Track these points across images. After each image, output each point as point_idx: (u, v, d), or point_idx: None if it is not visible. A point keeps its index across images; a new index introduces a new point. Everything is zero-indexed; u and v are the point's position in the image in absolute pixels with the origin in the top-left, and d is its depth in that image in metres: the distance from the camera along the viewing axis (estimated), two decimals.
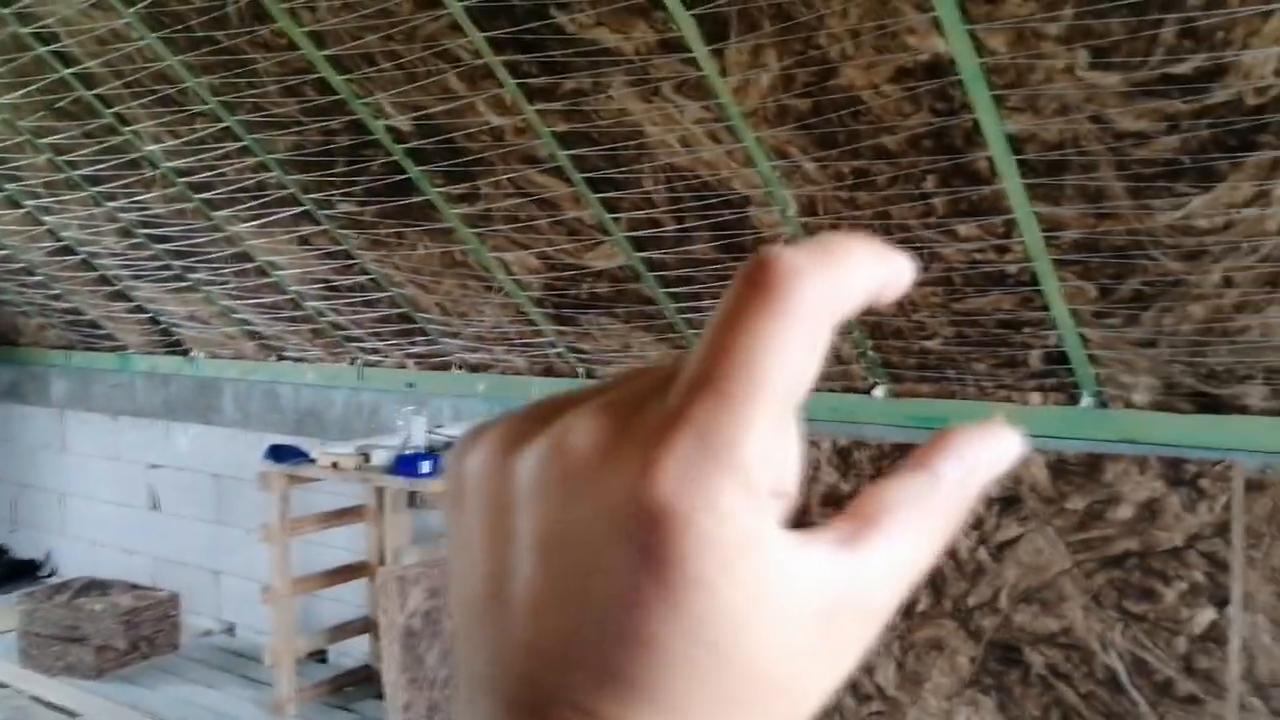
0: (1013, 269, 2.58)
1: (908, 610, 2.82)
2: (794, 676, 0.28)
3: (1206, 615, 2.42)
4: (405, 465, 3.57)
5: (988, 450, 0.31)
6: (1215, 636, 2.40)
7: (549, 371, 3.84)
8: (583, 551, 0.28)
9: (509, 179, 3.12)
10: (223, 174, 3.74)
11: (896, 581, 0.29)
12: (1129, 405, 2.71)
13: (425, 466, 3.56)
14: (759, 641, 0.27)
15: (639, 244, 3.11)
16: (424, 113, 3.05)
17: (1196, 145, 2.12)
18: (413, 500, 3.64)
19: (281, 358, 4.77)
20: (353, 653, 4.31)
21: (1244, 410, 2.55)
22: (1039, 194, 2.37)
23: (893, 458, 2.94)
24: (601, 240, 3.16)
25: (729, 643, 0.27)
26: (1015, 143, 2.29)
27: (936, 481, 0.30)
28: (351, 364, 4.45)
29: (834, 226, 2.72)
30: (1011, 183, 2.35)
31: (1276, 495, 2.48)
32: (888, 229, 2.63)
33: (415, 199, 3.36)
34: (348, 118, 3.19)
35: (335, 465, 3.79)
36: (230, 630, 4.94)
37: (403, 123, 3.13)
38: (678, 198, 2.89)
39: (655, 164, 2.82)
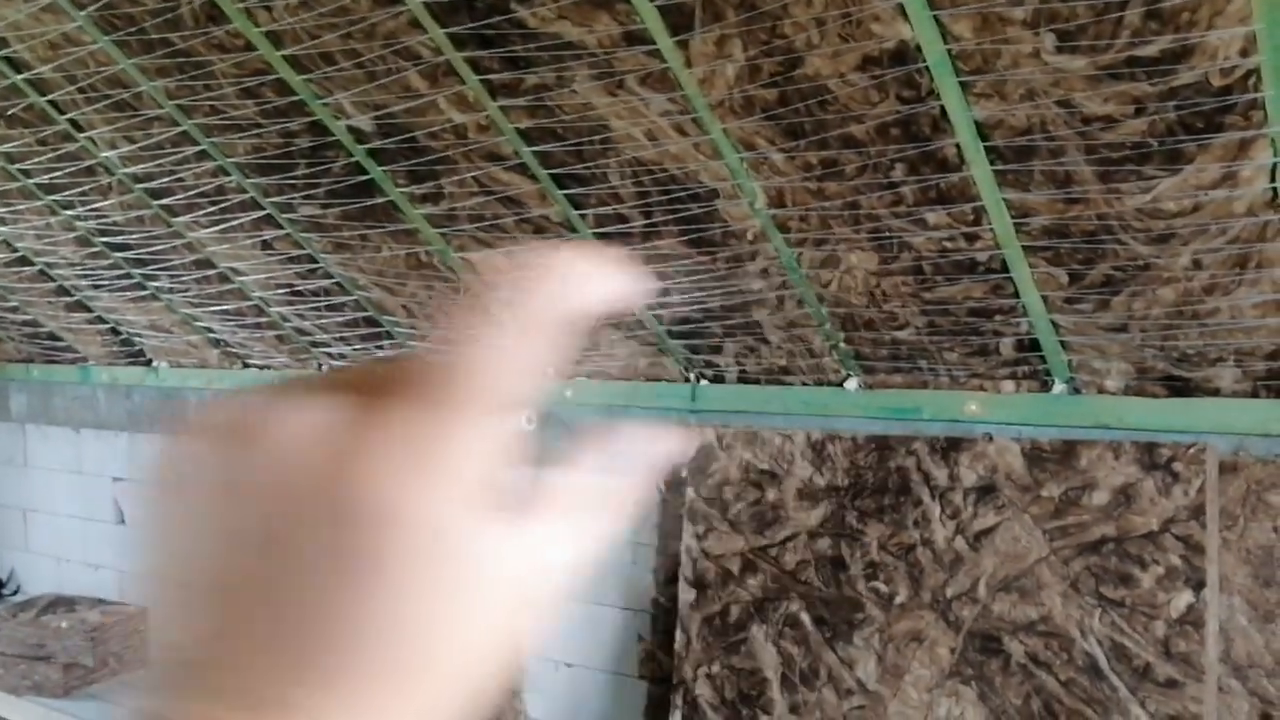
0: (983, 257, 2.57)
1: (886, 602, 2.80)
2: (476, 655, 0.32)
3: (1184, 599, 2.42)
4: None
5: (638, 447, 0.37)
6: (1193, 620, 2.40)
7: None
8: (285, 544, 0.29)
9: (473, 177, 3.08)
10: (181, 179, 3.67)
11: (566, 560, 0.33)
12: (1102, 391, 2.71)
13: None
14: (440, 622, 0.30)
15: (606, 240, 3.07)
16: (385, 112, 3.00)
17: (1164, 127, 2.11)
18: None
19: (246, 365, 4.69)
20: None
21: (1215, 393, 2.56)
22: (1008, 180, 2.35)
23: (867, 449, 2.93)
24: (568, 237, 3.13)
25: (414, 627, 0.30)
26: (983, 129, 2.27)
27: (590, 473, 0.35)
28: (318, 370, 4.38)
29: (803, 218, 2.70)
30: (980, 169, 2.34)
31: (1249, 477, 2.48)
32: (857, 219, 2.62)
33: (378, 200, 3.31)
34: (307, 119, 3.13)
35: None
36: None
37: (364, 123, 3.08)
38: (644, 192, 2.86)
39: (621, 158, 2.79)
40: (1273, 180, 2.11)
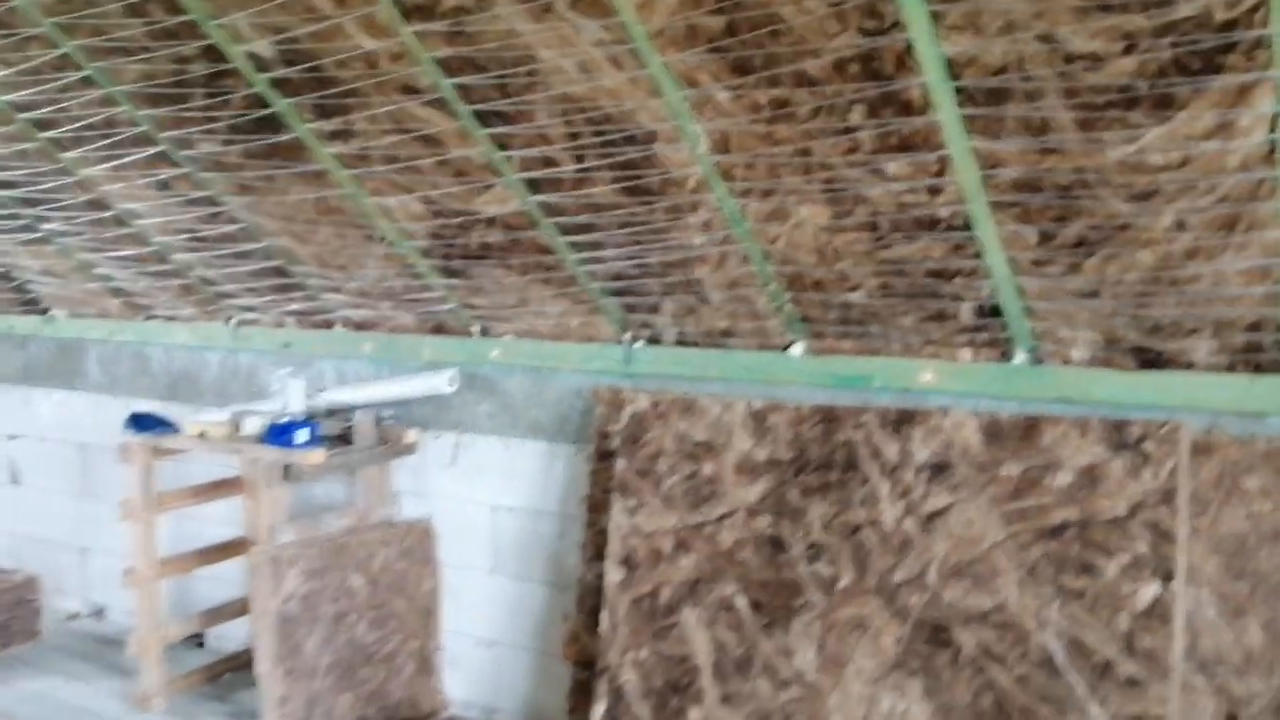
0: (945, 212, 2.33)
1: (828, 587, 2.59)
2: None
3: (1150, 591, 2.23)
4: (278, 434, 3.22)
5: None
6: (1159, 613, 2.21)
7: (440, 329, 3.52)
8: None
9: (386, 113, 2.78)
10: (66, 109, 3.31)
11: None
12: (1067, 361, 2.50)
13: (301, 435, 3.22)
14: None
15: (534, 186, 2.79)
16: (287, 36, 2.68)
17: (1155, 68, 1.88)
18: (289, 473, 3.30)
19: (151, 317, 4.35)
20: (234, 636, 3.96)
21: (1189, 366, 2.36)
22: (977, 126, 2.11)
23: (812, 421, 2.70)
24: (492, 183, 2.84)
25: None
26: (953, 67, 2.02)
27: None
28: (226, 323, 4.06)
29: (749, 166, 2.44)
30: (947, 113, 2.09)
31: (1224, 459, 2.29)
32: (809, 168, 2.36)
33: (283, 137, 3.00)
34: (201, 42, 2.80)
35: (203, 435, 3.42)
36: (100, 614, 4.54)
37: (264, 48, 2.75)
38: (576, 133, 2.58)
39: (550, 94, 2.51)
40: (1273, 131, 1.89)
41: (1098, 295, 2.33)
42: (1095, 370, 2.46)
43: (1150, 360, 2.40)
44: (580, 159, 2.64)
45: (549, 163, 2.70)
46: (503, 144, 2.71)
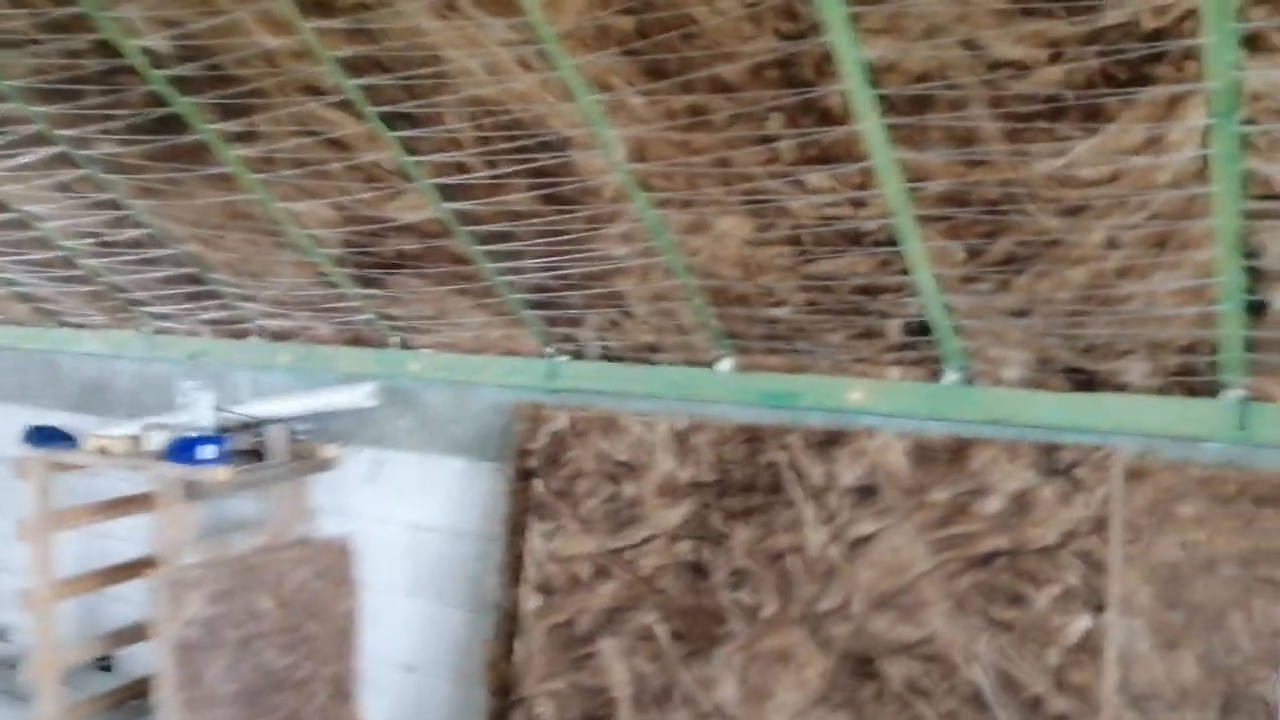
0: (871, 226, 2.22)
1: (751, 616, 2.47)
2: None
3: (1081, 623, 2.13)
4: (182, 450, 3.05)
5: None
6: (1090, 647, 2.11)
7: (358, 341, 3.37)
8: None
9: (291, 114, 2.63)
10: None
11: None
12: (997, 382, 2.40)
13: (206, 451, 3.06)
14: None
15: (448, 193, 2.66)
16: (184, 31, 2.53)
17: (1083, 78, 1.78)
18: (193, 490, 3.13)
19: (64, 324, 4.16)
20: (145, 660, 3.78)
21: (1123, 388, 2.26)
22: (900, 136, 2.01)
23: (736, 441, 2.58)
24: (404, 189, 2.70)
25: None
26: (874, 73, 1.91)
27: None
28: (139, 331, 3.88)
29: (667, 175, 2.32)
30: (870, 122, 1.98)
31: (1158, 485, 2.20)
32: (728, 178, 2.25)
33: (186, 138, 2.84)
34: (93, 35, 2.64)
35: (103, 450, 3.25)
36: (2, 636, 4.33)
37: (160, 43, 2.60)
38: (487, 138, 2.45)
39: (459, 96, 2.37)
40: (1204, 146, 1.79)
41: (1029, 314, 2.23)
42: (1027, 391, 2.36)
43: (1083, 382, 2.31)
44: (493, 165, 2.51)
45: (461, 168, 2.56)
46: (413, 148, 2.57)
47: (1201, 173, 1.85)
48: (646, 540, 2.63)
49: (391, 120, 2.51)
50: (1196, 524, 2.18)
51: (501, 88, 2.30)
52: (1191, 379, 2.19)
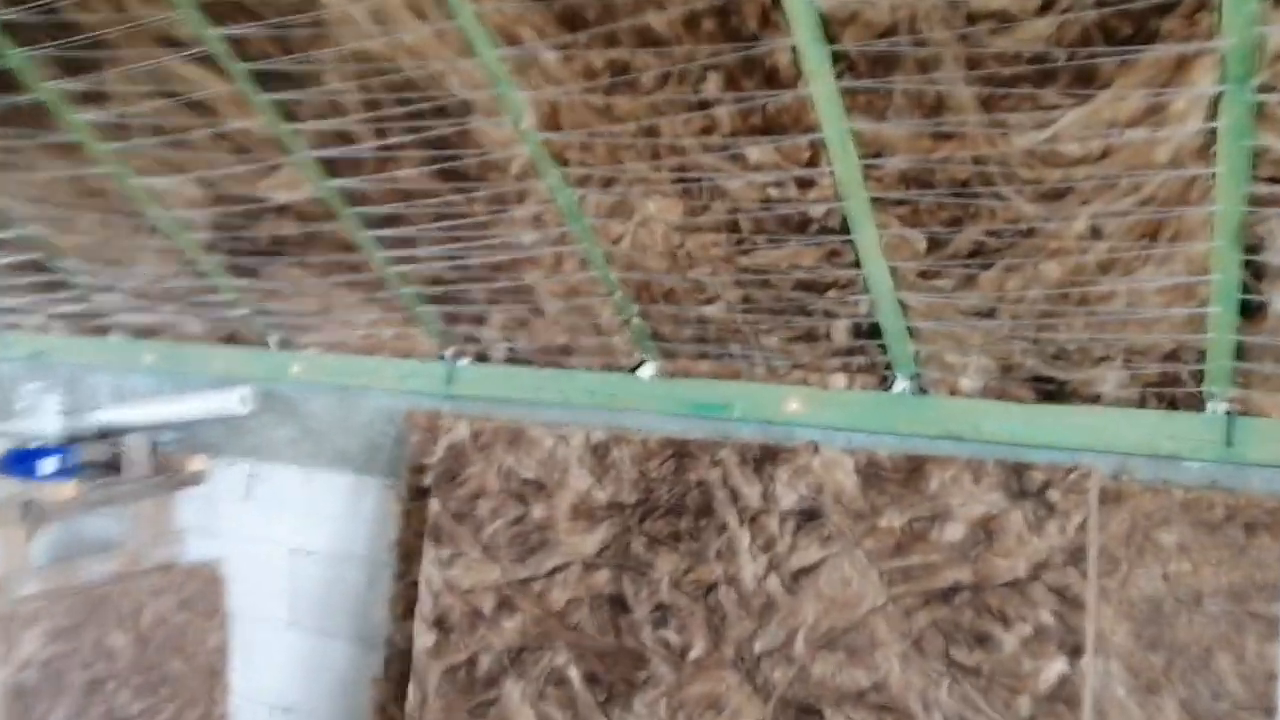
0: (818, 211, 1.93)
1: (678, 657, 2.16)
2: None
3: (1055, 668, 1.86)
4: (17, 463, 2.64)
5: None
6: (1066, 696, 1.85)
7: (233, 339, 2.98)
8: None
9: (145, 71, 2.25)
10: None
11: None
12: (954, 392, 2.13)
13: (48, 464, 2.65)
14: None
15: (331, 168, 2.30)
16: None
17: (1076, 32, 1.51)
18: (30, 509, 2.71)
19: None
20: None
21: (1095, 400, 2.01)
22: (858, 103, 1.72)
23: (661, 457, 2.27)
24: (279, 162, 2.34)
25: None
26: (830, 25, 1.62)
27: None
28: None
29: (585, 147, 2.00)
30: (821, 84, 1.69)
31: (1136, 510, 1.95)
32: (656, 151, 1.93)
33: (21, 98, 2.43)
34: None
35: None
36: None
37: None
38: (375, 100, 2.10)
39: (340, 50, 2.02)
40: (1212, 118, 1.54)
41: (994, 315, 1.96)
42: (987, 402, 2.10)
43: (1050, 392, 2.04)
44: (382, 134, 2.16)
45: (345, 138, 2.21)
46: (289, 113, 2.21)
47: (1204, 150, 1.59)
48: (558, 569, 2.30)
49: (263, 79, 2.15)
50: (1180, 553, 1.93)
51: (390, 40, 1.96)
52: (1173, 390, 1.94)
